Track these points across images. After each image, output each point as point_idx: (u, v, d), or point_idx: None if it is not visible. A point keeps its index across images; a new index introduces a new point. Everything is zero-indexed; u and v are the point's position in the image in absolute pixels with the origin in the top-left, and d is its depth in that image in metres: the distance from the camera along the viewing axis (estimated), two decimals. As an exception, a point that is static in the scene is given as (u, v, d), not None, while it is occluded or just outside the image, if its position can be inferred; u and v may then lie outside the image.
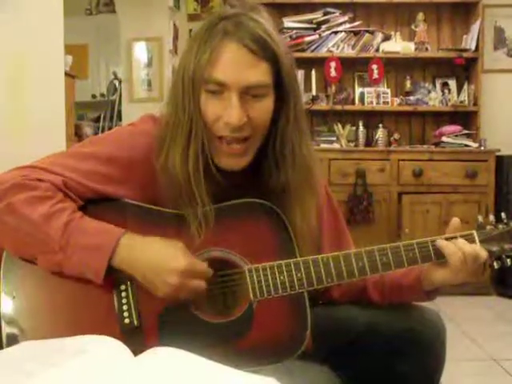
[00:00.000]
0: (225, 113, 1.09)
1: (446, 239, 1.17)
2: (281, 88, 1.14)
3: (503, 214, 1.21)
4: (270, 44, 1.09)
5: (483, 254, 1.15)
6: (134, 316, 1.08)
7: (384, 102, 4.36)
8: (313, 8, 4.43)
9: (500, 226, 1.20)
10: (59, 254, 1.04)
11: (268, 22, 1.13)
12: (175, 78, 1.16)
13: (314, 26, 4.39)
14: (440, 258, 1.16)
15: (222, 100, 1.10)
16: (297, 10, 4.46)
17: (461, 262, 1.14)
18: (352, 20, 4.42)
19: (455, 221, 1.20)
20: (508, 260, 1.18)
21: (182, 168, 1.12)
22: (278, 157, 1.17)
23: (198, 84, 1.10)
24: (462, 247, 1.14)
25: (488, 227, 1.20)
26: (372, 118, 4.44)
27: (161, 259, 1.06)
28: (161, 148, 1.14)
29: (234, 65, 1.08)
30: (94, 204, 1.14)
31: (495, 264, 1.19)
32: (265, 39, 1.09)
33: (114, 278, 1.07)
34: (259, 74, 1.09)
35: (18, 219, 1.05)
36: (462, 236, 1.17)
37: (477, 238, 1.17)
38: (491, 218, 1.21)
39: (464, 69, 4.43)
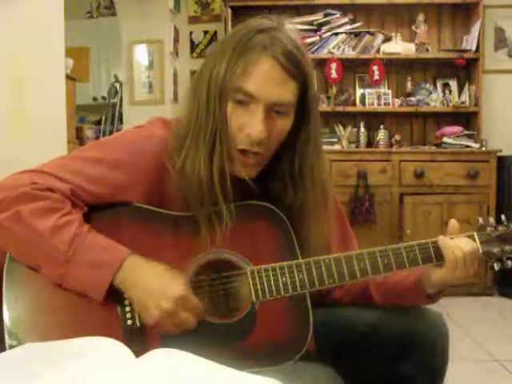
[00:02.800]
0: (248, 125, 1.10)
1: None
2: (304, 108, 1.15)
3: (503, 216, 1.22)
4: (302, 64, 1.12)
5: (475, 248, 1.16)
6: (137, 317, 1.09)
7: (385, 103, 4.36)
8: (313, 9, 4.43)
9: (500, 228, 1.20)
10: (63, 267, 1.05)
11: (299, 39, 1.15)
12: (199, 80, 1.16)
13: (315, 27, 4.40)
14: (440, 259, 1.17)
15: (248, 111, 1.10)
16: (297, 11, 4.46)
17: (456, 258, 1.15)
18: (352, 21, 4.43)
19: (453, 223, 1.21)
20: (508, 262, 1.19)
21: (206, 172, 1.11)
22: (297, 177, 1.18)
23: (227, 92, 1.10)
24: (461, 246, 1.15)
25: (488, 229, 1.20)
26: (373, 119, 4.44)
27: (159, 284, 1.07)
28: (178, 151, 1.14)
29: (267, 80, 1.09)
30: (100, 208, 1.14)
31: (495, 266, 1.20)
32: (298, 59, 1.11)
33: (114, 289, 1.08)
34: (288, 92, 1.11)
35: (25, 229, 1.06)
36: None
37: (477, 239, 1.18)
38: (491, 219, 1.21)
39: (465, 69, 4.43)
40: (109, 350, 0.95)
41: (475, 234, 1.19)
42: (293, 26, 1.18)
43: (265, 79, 1.09)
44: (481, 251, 1.18)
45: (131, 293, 1.07)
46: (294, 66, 1.10)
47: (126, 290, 1.07)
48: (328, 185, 1.23)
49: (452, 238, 1.17)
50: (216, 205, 1.12)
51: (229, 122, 1.11)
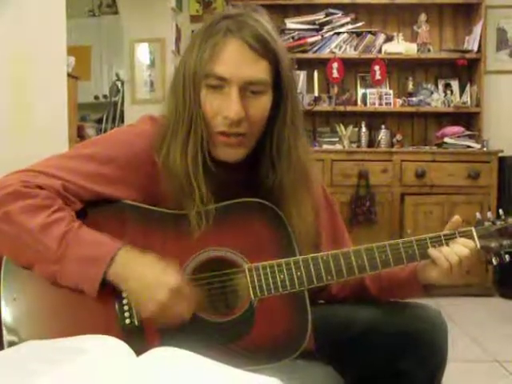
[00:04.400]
0: (224, 107, 1.11)
1: (445, 237, 1.18)
2: (279, 88, 1.15)
3: (501, 211, 1.22)
4: (270, 43, 1.12)
5: (465, 252, 1.16)
6: (135, 316, 1.08)
7: (386, 103, 4.36)
8: (315, 9, 4.44)
9: (498, 223, 1.20)
10: (55, 264, 1.04)
11: (269, 24, 1.15)
12: (176, 74, 1.18)
13: (317, 27, 4.40)
14: None
15: (222, 95, 1.11)
16: (299, 11, 4.47)
17: (451, 265, 1.15)
18: (354, 21, 4.43)
19: (456, 219, 1.20)
20: (507, 256, 1.19)
21: (181, 162, 1.12)
22: (274, 157, 1.18)
23: (199, 79, 1.11)
24: (447, 256, 1.15)
25: (486, 224, 1.20)
26: (374, 119, 4.44)
27: (153, 275, 1.06)
28: (162, 144, 1.15)
29: (236, 60, 1.10)
30: (93, 207, 1.14)
31: (493, 260, 1.20)
32: (266, 38, 1.11)
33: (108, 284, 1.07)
34: (259, 70, 1.11)
35: (15, 228, 1.05)
36: (460, 232, 1.18)
37: (475, 234, 1.18)
38: (489, 214, 1.21)
39: (466, 70, 4.43)
40: (109, 348, 0.95)
41: (473, 228, 1.19)
42: (263, 13, 1.18)
43: (234, 60, 1.10)
44: (478, 246, 1.18)
45: (125, 286, 1.07)
46: (262, 45, 1.11)
47: (119, 284, 1.06)
48: (308, 167, 1.23)
49: (449, 237, 1.18)
50: (196, 196, 1.12)
51: (203, 108, 1.12)
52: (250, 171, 1.20)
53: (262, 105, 1.14)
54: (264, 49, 1.11)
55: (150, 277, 1.06)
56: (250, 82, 1.11)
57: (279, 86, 1.15)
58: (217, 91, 1.11)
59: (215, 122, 1.12)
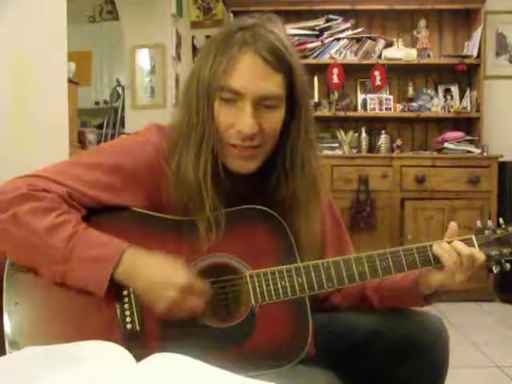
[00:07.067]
0: (237, 121, 1.11)
1: None
2: (293, 100, 1.16)
3: (501, 219, 1.22)
4: (286, 56, 1.12)
5: (481, 256, 1.16)
6: (136, 321, 1.09)
7: (386, 109, 4.37)
8: (315, 15, 4.45)
9: (499, 231, 1.21)
10: (62, 265, 1.05)
11: (284, 34, 1.15)
12: (189, 83, 1.18)
13: (317, 32, 4.41)
14: (439, 262, 1.17)
15: (236, 108, 1.11)
16: (299, 16, 4.48)
17: (455, 263, 1.15)
18: (354, 27, 4.44)
19: (453, 225, 1.20)
20: (507, 264, 1.19)
21: (193, 171, 1.13)
22: (288, 168, 1.18)
23: (213, 91, 1.11)
24: (458, 248, 1.15)
25: (487, 232, 1.21)
26: (374, 125, 4.45)
27: (162, 274, 1.07)
28: (173, 152, 1.16)
29: (250, 75, 1.09)
30: (98, 213, 1.14)
31: (494, 268, 1.20)
32: (281, 51, 1.11)
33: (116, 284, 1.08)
34: (274, 85, 1.11)
35: (22, 230, 1.06)
36: (461, 240, 1.18)
37: (475, 242, 1.19)
38: (489, 223, 1.22)
39: (466, 75, 4.44)
40: (109, 354, 0.95)
41: (473, 236, 1.19)
42: (278, 23, 1.17)
43: (248, 74, 1.09)
44: (482, 255, 1.17)
45: (134, 285, 1.07)
46: (276, 59, 1.10)
47: (128, 284, 1.07)
48: (319, 179, 1.24)
49: (449, 242, 1.17)
50: (207, 206, 1.12)
51: (217, 120, 1.12)
52: (261, 181, 1.20)
53: (276, 119, 1.14)
54: (279, 62, 1.10)
55: (159, 275, 1.07)
56: (264, 97, 1.10)
57: (293, 98, 1.15)
58: (231, 104, 1.11)
59: (228, 134, 1.12)
